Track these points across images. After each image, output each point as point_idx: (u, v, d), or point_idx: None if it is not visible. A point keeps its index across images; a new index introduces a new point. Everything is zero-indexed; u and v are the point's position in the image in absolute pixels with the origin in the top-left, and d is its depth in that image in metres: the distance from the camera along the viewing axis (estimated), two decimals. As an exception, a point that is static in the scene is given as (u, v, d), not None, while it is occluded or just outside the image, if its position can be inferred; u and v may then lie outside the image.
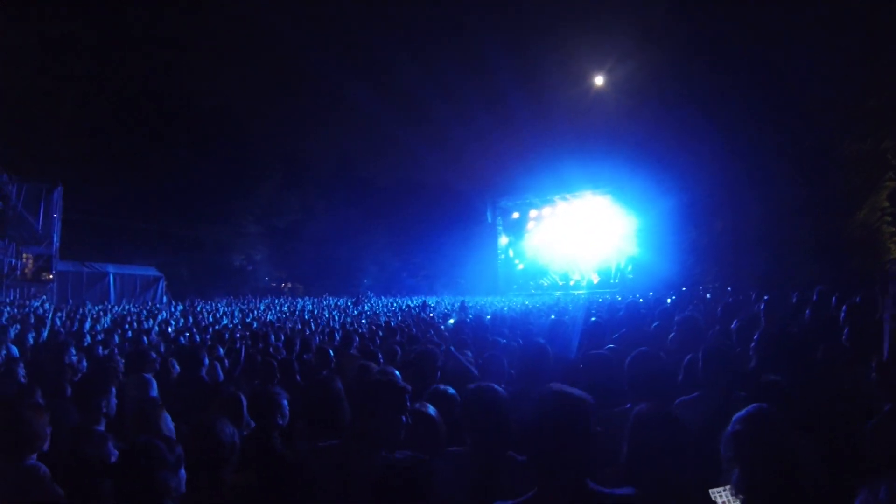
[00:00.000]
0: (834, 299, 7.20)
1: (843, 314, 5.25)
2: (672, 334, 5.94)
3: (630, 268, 39.31)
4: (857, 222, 25.55)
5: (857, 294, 6.83)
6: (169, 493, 2.58)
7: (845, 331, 4.53)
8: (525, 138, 38.58)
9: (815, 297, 7.49)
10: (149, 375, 5.67)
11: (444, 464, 2.85)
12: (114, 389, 4.02)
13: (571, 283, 43.55)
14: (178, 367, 6.21)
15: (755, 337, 4.21)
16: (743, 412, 2.39)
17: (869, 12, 24.38)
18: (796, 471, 2.31)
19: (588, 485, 2.24)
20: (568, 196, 43.77)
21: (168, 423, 4.15)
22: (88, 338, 10.23)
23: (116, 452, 3.06)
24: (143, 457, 2.58)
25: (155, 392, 5.38)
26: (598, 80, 35.85)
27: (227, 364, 7.25)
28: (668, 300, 16.26)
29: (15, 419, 3.26)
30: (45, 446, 3.30)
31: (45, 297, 23.98)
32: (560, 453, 2.24)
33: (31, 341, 9.62)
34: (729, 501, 2.43)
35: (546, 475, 2.27)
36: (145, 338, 9.58)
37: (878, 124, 25.08)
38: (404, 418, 2.98)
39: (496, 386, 3.01)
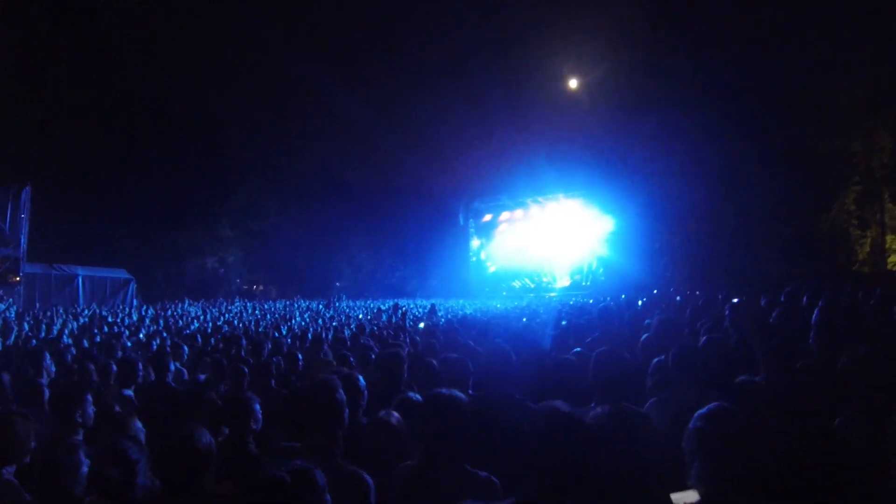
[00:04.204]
0: (805, 299, 7.35)
1: (814, 316, 5.37)
2: (646, 335, 6.00)
3: (602, 270, 39.55)
4: (826, 222, 26.05)
5: (825, 294, 6.99)
6: (141, 490, 2.66)
7: (812, 332, 4.65)
8: (499, 140, 38.70)
9: (783, 299, 7.64)
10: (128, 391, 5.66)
11: (395, 481, 2.84)
12: (90, 398, 4.02)
13: (543, 285, 43.68)
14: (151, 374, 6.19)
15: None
16: (704, 409, 2.46)
17: (840, 14, 24.88)
18: (757, 465, 2.41)
19: None
20: (541, 199, 43.95)
21: (138, 429, 4.18)
22: (68, 341, 10.13)
23: (88, 462, 3.06)
24: (117, 458, 2.64)
25: (133, 402, 5.38)
26: (573, 83, 36.09)
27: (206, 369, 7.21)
28: (639, 303, 16.42)
29: (2, 427, 3.25)
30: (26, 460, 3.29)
31: (11, 300, 23.61)
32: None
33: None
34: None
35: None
36: (121, 345, 9.46)
37: (849, 123, 25.58)
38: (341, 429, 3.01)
39: (457, 392, 2.93)
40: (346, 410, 3.06)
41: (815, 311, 5.22)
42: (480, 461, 2.79)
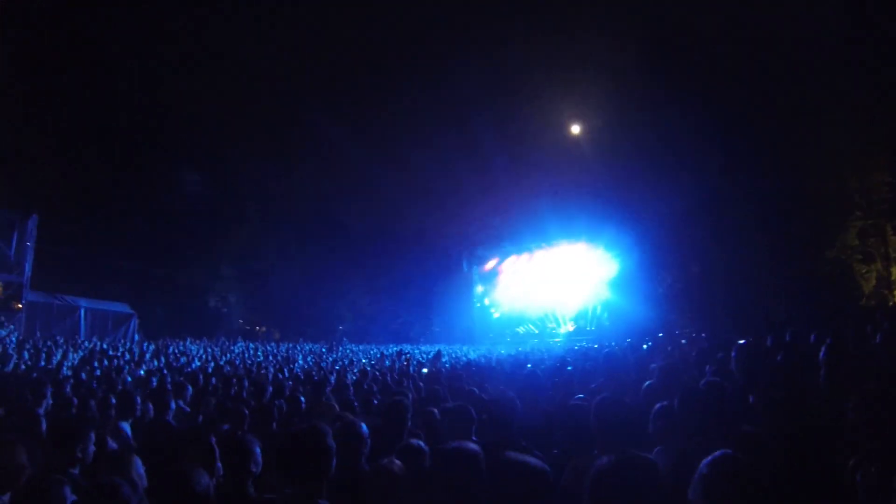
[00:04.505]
0: (812, 337, 7.29)
1: (822, 354, 5.34)
2: (649, 382, 5.93)
3: (606, 314, 39.44)
4: (827, 261, 26.04)
5: (831, 332, 6.93)
6: None
7: (822, 371, 4.61)
8: (502, 186, 39.02)
9: (787, 338, 7.58)
10: (124, 424, 5.60)
11: None
12: (93, 435, 3.97)
13: (548, 330, 43.53)
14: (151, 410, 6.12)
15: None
16: (710, 457, 2.44)
17: (832, 56, 25.28)
18: None
19: None
20: (544, 244, 44.03)
21: (139, 467, 4.11)
22: (68, 372, 10.09)
23: (73, 498, 3.00)
24: (107, 497, 2.59)
25: (129, 437, 5.31)
26: (575, 129, 36.45)
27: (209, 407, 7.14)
28: (644, 346, 16.33)
29: None
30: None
31: (12, 326, 23.53)
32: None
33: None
34: None
35: None
36: (121, 379, 9.40)
37: (844, 163, 25.74)
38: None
39: (472, 446, 2.90)
40: (334, 458, 3.05)
41: (823, 350, 5.19)
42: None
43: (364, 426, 3.78)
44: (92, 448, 3.94)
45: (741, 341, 8.02)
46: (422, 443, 3.66)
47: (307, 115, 39.35)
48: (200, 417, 6.78)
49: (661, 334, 23.76)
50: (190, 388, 8.01)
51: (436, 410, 5.04)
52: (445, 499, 2.73)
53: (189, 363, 15.74)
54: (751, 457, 2.62)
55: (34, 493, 3.05)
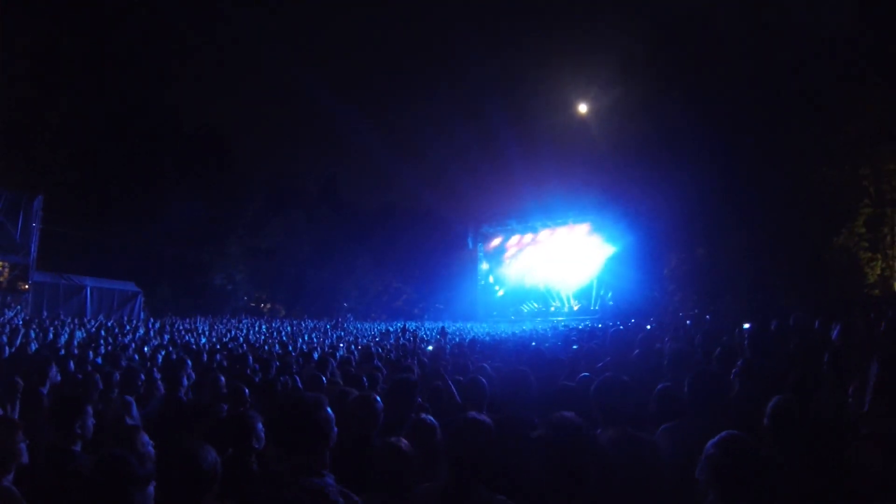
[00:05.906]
0: (817, 324, 7.27)
1: (834, 337, 5.35)
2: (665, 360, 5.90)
3: (610, 294, 39.51)
4: (835, 248, 25.93)
5: (838, 319, 6.90)
6: None
7: (825, 357, 4.60)
8: (509, 167, 39.07)
9: (791, 323, 7.54)
10: (130, 398, 5.59)
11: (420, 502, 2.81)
12: (90, 410, 3.96)
13: (552, 309, 43.64)
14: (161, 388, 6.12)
15: (738, 363, 4.31)
16: (717, 438, 2.47)
17: (841, 46, 25.10)
18: (770, 494, 2.41)
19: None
20: (550, 223, 44.05)
21: (146, 443, 4.10)
22: (75, 351, 10.11)
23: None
24: (112, 469, 2.58)
25: (135, 413, 5.29)
26: (582, 108, 36.39)
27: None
28: (648, 326, 16.33)
29: None
30: (24, 461, 3.22)
31: (19, 307, 23.62)
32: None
33: (7, 353, 9.40)
34: None
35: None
36: (126, 357, 9.39)
37: (855, 151, 25.56)
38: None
39: (486, 419, 2.89)
40: (334, 429, 2.98)
41: (834, 335, 5.17)
42: (497, 485, 2.76)
43: (379, 400, 3.81)
44: (91, 422, 3.93)
45: (746, 325, 7.99)
46: (431, 417, 3.67)
47: (316, 96, 39.36)
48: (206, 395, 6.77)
49: (664, 318, 23.77)
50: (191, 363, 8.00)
51: (450, 384, 5.05)
52: (456, 470, 2.73)
53: (196, 340, 15.79)
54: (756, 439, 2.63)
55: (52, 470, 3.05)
